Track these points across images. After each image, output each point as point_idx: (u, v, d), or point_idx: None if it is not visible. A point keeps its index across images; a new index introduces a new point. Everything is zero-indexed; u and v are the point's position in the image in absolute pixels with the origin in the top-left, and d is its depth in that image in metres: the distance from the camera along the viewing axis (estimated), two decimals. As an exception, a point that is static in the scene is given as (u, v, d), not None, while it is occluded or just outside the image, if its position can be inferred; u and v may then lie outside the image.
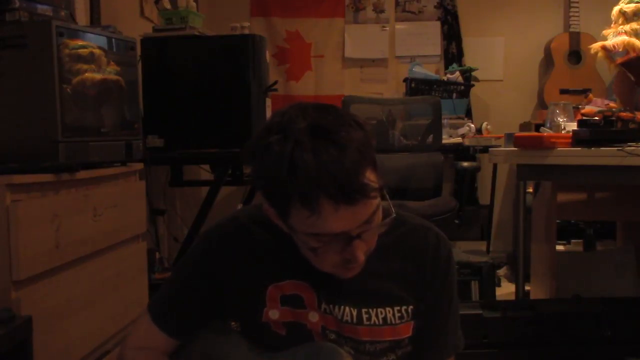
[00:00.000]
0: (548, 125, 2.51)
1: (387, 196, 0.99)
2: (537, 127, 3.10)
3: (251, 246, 1.12)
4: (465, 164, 3.44)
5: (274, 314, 1.09)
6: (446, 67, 4.29)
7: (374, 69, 4.51)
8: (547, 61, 4.29)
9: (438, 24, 4.43)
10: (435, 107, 3.35)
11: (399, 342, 1.11)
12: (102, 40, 1.99)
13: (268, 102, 3.14)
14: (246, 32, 3.10)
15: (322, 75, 4.50)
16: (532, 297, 2.85)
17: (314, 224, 0.93)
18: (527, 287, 2.76)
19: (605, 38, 2.70)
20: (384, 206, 0.99)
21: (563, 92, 4.07)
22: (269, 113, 3.10)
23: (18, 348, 1.50)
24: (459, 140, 3.76)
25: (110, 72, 2.01)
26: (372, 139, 0.96)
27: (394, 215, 1.00)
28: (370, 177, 0.93)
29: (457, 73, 4.08)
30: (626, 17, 2.59)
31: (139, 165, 2.28)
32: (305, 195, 0.90)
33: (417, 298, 1.11)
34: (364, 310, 1.08)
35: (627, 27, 2.56)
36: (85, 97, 1.89)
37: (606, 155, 2.14)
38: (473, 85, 4.11)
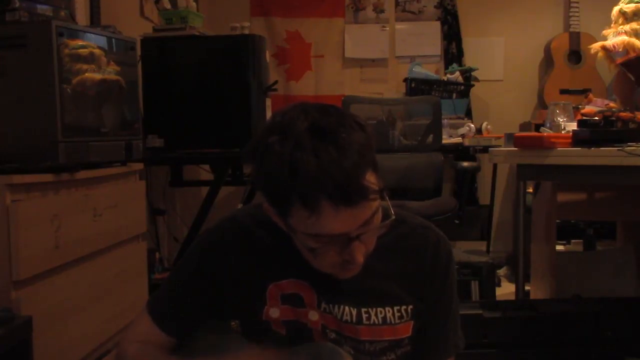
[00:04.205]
0: (548, 125, 2.51)
1: (387, 197, 0.99)
2: (537, 127, 3.10)
3: (251, 245, 1.12)
4: (465, 164, 3.44)
5: (274, 312, 1.09)
6: (446, 67, 4.29)
7: (374, 69, 4.51)
8: (547, 61, 4.29)
9: (438, 24, 4.42)
10: (435, 107, 3.36)
11: (399, 341, 1.11)
12: (102, 40, 1.99)
13: (268, 102, 3.14)
14: (246, 32, 3.10)
15: (322, 75, 4.50)
16: (532, 297, 2.85)
17: (314, 225, 0.92)
18: (527, 287, 2.76)
19: (605, 38, 2.71)
20: (383, 207, 0.99)
21: (563, 92, 4.07)
22: (269, 113, 3.10)
23: (18, 348, 1.51)
24: (459, 140, 3.76)
25: (110, 72, 2.01)
26: (373, 141, 0.96)
27: (393, 217, 1.00)
28: (371, 179, 0.93)
29: (457, 73, 4.08)
30: (626, 17, 2.59)
31: (139, 165, 2.28)
32: (305, 196, 0.90)
33: (416, 298, 1.11)
34: (363, 309, 1.08)
35: (627, 27, 2.57)
36: (85, 97, 1.89)
37: (606, 155, 2.14)
38: (473, 85, 4.11)
